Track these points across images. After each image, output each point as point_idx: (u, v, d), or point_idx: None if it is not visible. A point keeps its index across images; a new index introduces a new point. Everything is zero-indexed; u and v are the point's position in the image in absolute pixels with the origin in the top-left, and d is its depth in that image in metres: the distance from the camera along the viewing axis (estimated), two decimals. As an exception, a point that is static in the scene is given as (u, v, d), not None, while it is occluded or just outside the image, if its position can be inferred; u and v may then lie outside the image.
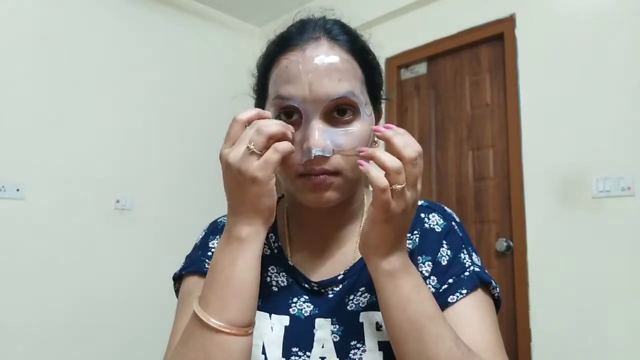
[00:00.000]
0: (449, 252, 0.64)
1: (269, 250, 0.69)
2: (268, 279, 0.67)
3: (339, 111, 0.58)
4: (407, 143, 0.50)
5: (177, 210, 2.90)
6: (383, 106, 0.69)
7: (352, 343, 0.61)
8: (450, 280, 0.61)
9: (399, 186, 0.49)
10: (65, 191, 2.48)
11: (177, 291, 0.71)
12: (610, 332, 1.87)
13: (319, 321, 0.63)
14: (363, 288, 0.64)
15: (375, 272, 0.54)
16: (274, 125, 0.53)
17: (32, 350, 2.30)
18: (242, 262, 0.54)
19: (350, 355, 0.60)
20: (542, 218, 2.11)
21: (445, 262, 0.63)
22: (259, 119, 0.55)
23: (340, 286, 0.64)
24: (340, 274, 0.65)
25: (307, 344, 0.62)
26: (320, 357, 0.61)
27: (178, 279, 0.71)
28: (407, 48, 2.71)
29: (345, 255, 0.67)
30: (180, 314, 0.64)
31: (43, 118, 2.43)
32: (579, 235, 1.99)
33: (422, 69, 2.72)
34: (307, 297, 0.65)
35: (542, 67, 2.18)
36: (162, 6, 2.98)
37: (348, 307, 0.63)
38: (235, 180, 0.54)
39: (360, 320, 0.62)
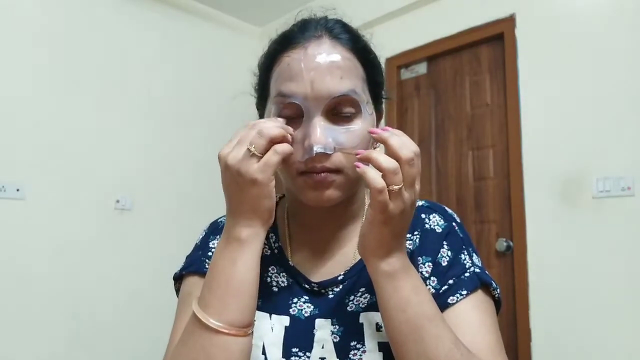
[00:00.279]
0: (449, 253, 0.64)
1: (269, 251, 0.69)
2: (268, 279, 0.67)
3: (340, 109, 0.58)
4: (404, 143, 0.50)
5: (177, 210, 2.90)
6: (383, 106, 0.69)
7: (352, 344, 0.61)
8: (451, 281, 0.61)
9: (396, 187, 0.49)
10: (65, 191, 2.48)
11: (177, 291, 0.71)
12: (610, 332, 1.87)
13: (319, 321, 0.63)
14: (363, 289, 0.64)
15: (374, 274, 0.54)
16: (275, 128, 0.54)
17: (32, 350, 2.30)
18: (241, 263, 0.54)
19: (350, 355, 0.60)
20: (542, 218, 2.11)
21: (446, 262, 0.63)
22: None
23: (341, 286, 0.64)
24: (340, 275, 0.65)
25: (307, 345, 0.62)
26: (320, 358, 0.61)
27: (178, 279, 0.71)
28: (407, 48, 2.71)
29: (345, 255, 0.67)
30: (180, 314, 0.64)
31: (43, 118, 2.43)
32: (579, 235, 1.99)
33: (422, 69, 2.72)
34: (307, 298, 0.65)
35: (542, 67, 2.18)
36: (162, 6, 2.98)
37: (348, 307, 0.63)
38: (235, 181, 0.54)
39: (360, 321, 0.62)
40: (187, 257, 0.73)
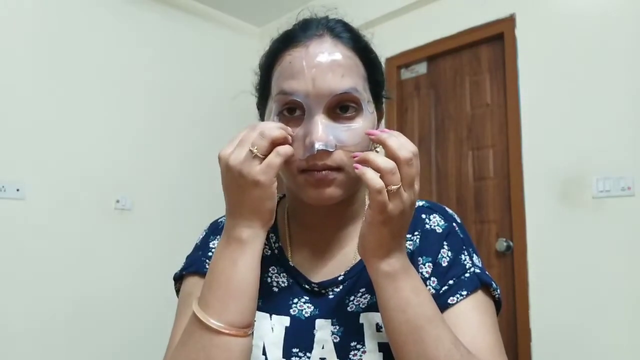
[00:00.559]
0: (449, 253, 0.64)
1: (269, 251, 0.69)
2: (268, 279, 0.67)
3: (341, 107, 0.58)
4: (402, 144, 0.50)
5: (177, 210, 2.90)
6: (383, 106, 0.70)
7: (352, 344, 0.61)
8: (451, 282, 0.61)
9: (394, 187, 0.49)
10: (65, 191, 2.48)
11: (177, 291, 0.71)
12: (610, 332, 1.87)
13: (319, 322, 0.63)
14: (363, 289, 0.64)
15: (374, 274, 0.54)
16: (277, 129, 0.54)
17: (32, 350, 2.30)
18: (242, 263, 0.54)
19: (350, 356, 0.60)
20: (542, 218, 2.11)
21: (446, 263, 0.63)
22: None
23: (341, 287, 0.64)
24: (340, 275, 0.65)
25: (307, 345, 0.62)
26: (320, 358, 0.61)
27: (178, 279, 0.71)
28: (407, 48, 2.71)
29: (346, 255, 0.67)
30: (180, 315, 0.64)
31: (43, 118, 2.43)
32: (579, 235, 1.99)
33: (422, 69, 2.72)
34: (307, 298, 0.65)
35: (542, 67, 2.18)
36: (162, 6, 2.98)
37: (348, 308, 0.63)
38: (236, 182, 0.54)
39: (361, 321, 0.62)
40: (187, 257, 0.73)
